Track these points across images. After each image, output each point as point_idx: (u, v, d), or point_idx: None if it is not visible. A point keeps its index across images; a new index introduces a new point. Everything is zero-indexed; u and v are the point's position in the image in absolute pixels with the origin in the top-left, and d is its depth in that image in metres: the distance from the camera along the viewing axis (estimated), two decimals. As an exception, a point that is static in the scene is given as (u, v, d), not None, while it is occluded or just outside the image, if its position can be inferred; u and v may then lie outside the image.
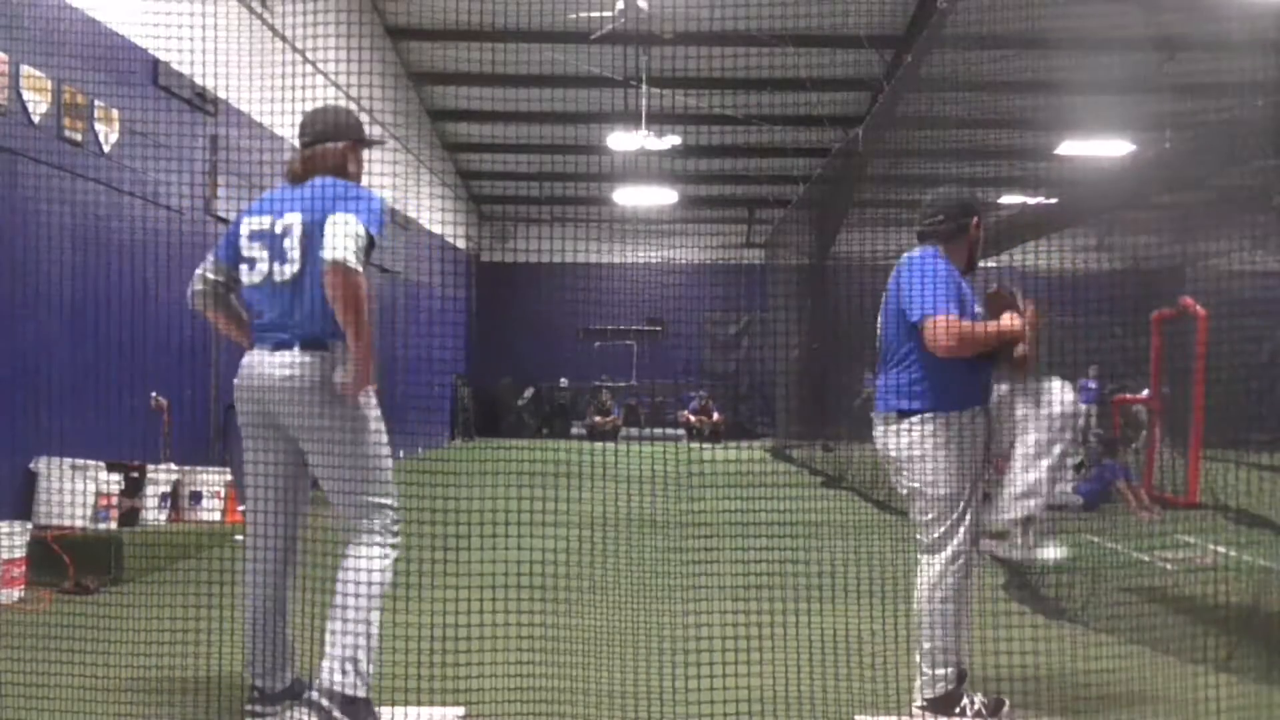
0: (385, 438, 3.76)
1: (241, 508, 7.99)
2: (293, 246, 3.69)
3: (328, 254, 3.51)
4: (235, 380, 3.82)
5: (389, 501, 3.75)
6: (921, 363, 3.91)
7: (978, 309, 4.05)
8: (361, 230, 3.56)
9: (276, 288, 3.72)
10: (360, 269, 3.53)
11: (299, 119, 3.95)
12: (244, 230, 3.82)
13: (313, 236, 3.64)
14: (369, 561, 3.65)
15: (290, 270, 3.69)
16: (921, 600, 3.90)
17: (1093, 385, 12.81)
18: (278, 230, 3.74)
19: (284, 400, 3.67)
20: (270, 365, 3.69)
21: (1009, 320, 3.95)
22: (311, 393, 3.64)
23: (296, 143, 3.93)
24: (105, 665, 3.94)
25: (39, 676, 3.84)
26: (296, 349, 3.67)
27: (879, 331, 4.10)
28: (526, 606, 4.68)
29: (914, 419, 3.90)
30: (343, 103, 4.10)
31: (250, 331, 3.94)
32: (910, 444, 3.90)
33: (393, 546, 3.74)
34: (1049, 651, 4.22)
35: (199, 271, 3.94)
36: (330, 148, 3.84)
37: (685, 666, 3.97)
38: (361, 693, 3.58)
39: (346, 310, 3.52)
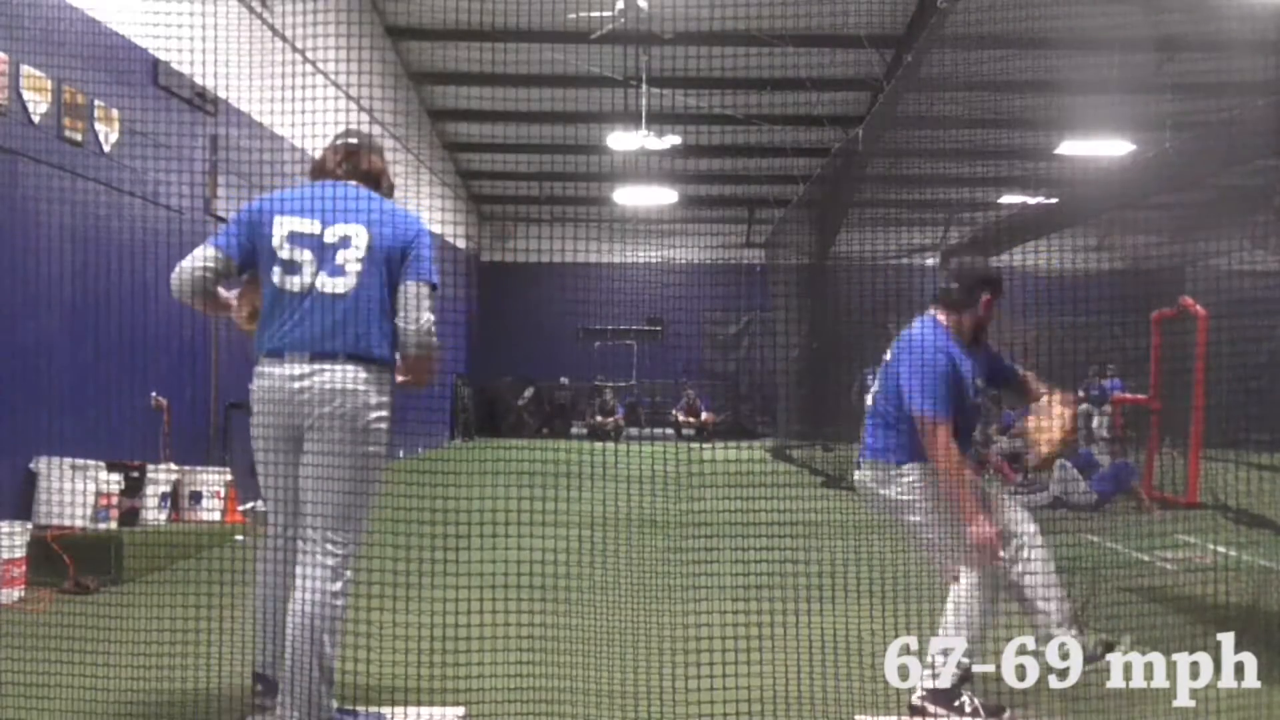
0: (382, 479, 3.74)
1: (242, 507, 8.07)
2: (351, 263, 3.64)
3: (417, 342, 3.68)
4: (257, 386, 3.67)
5: (360, 535, 3.68)
6: (910, 429, 4.24)
7: (978, 381, 4.32)
8: (433, 296, 3.72)
9: (323, 299, 3.63)
10: (438, 342, 3.74)
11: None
12: (279, 229, 3.67)
13: (375, 259, 3.66)
14: (334, 596, 3.57)
15: (345, 285, 3.63)
16: (951, 599, 4.16)
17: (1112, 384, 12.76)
18: (329, 239, 3.65)
19: (313, 407, 3.58)
20: (310, 374, 3.58)
21: (980, 520, 4.04)
22: (345, 398, 3.57)
23: (335, 142, 3.89)
24: (105, 665, 3.93)
25: (39, 676, 3.84)
26: (341, 360, 3.60)
27: (871, 387, 4.44)
28: (526, 606, 4.68)
29: (904, 468, 4.26)
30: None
31: (227, 314, 3.89)
32: (903, 490, 4.27)
33: (348, 581, 3.65)
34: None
35: (196, 261, 3.71)
36: (375, 156, 3.91)
37: (685, 666, 3.97)
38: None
39: (427, 374, 3.79)
